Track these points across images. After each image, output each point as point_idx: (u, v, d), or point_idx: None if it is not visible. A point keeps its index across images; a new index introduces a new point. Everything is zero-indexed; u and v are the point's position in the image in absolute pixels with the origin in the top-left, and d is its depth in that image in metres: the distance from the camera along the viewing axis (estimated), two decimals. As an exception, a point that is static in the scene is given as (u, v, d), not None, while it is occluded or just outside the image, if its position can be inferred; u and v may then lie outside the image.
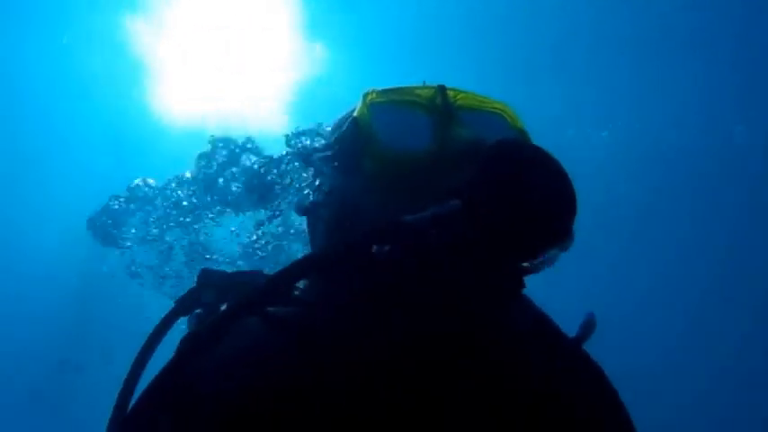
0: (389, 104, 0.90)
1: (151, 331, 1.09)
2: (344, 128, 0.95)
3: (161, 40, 10.86)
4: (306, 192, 1.05)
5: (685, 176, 13.11)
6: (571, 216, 0.73)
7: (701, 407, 17.14)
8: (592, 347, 0.95)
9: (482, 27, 11.11)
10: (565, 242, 0.75)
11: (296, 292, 0.91)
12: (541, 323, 0.93)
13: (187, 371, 0.75)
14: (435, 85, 0.92)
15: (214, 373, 0.75)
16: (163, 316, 1.08)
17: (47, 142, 12.57)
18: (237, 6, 10.56)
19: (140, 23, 10.67)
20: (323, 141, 1.04)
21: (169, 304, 1.07)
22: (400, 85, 0.94)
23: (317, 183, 1.02)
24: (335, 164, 0.96)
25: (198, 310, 1.07)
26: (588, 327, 0.92)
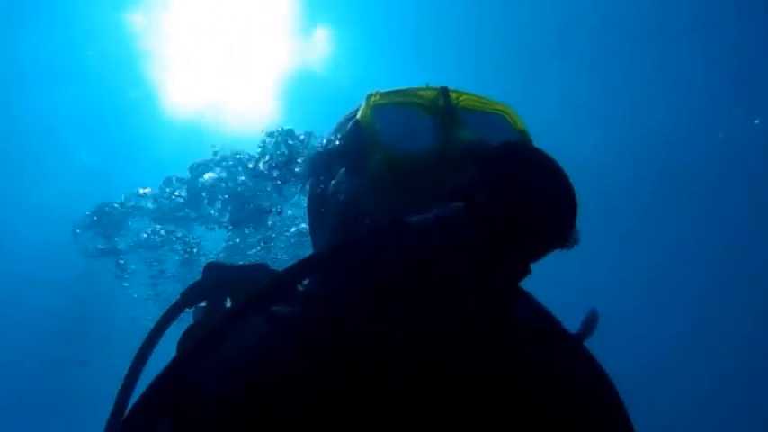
0: (392, 106, 0.91)
1: (155, 323, 1.10)
2: (348, 129, 0.95)
3: (158, 35, 10.86)
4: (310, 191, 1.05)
5: (683, 175, 13.12)
6: (571, 217, 0.74)
7: (699, 406, 17.17)
8: (590, 346, 0.95)
9: (483, 17, 11.10)
10: (565, 243, 0.75)
11: (299, 290, 0.92)
12: (543, 320, 0.94)
13: (188, 371, 0.75)
14: (438, 86, 0.92)
15: (216, 373, 0.75)
16: (168, 308, 1.09)
17: (44, 140, 12.57)
18: (236, 4, 10.57)
19: (138, 18, 10.68)
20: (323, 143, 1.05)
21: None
22: (403, 87, 0.94)
23: (319, 183, 1.02)
24: (338, 165, 0.96)
25: (202, 303, 1.07)
26: (590, 323, 0.92)
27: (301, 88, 11.60)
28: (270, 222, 8.35)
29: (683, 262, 15.10)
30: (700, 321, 16.52)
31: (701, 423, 17.07)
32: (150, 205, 8.74)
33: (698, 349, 16.94)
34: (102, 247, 9.85)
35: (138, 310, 10.28)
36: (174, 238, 9.07)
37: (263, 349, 0.77)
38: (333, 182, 0.97)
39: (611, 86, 12.06)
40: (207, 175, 8.32)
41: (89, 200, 9.67)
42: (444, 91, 0.91)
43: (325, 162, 1.01)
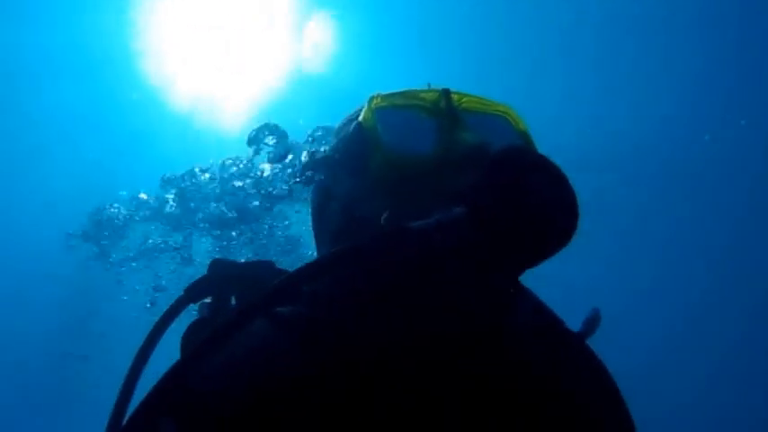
0: (394, 108, 0.91)
1: (159, 318, 1.11)
2: (350, 131, 0.96)
3: (158, 33, 10.84)
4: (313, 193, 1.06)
5: (679, 173, 13.13)
6: (573, 222, 0.75)
7: (696, 405, 17.21)
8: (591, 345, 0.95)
9: (486, 11, 11.08)
10: (566, 247, 0.76)
11: (304, 292, 0.92)
12: (544, 319, 0.95)
13: (193, 372, 0.76)
14: (440, 88, 0.93)
15: (220, 374, 0.75)
16: (172, 303, 1.10)
17: (44, 137, 12.56)
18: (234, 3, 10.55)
19: (139, 16, 10.66)
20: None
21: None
22: (404, 89, 0.95)
23: (322, 186, 1.02)
24: (340, 167, 0.97)
25: (207, 299, 1.08)
26: (592, 322, 0.93)
27: (301, 85, 11.59)
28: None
29: (677, 260, 15.13)
30: (693, 320, 16.56)
31: (699, 421, 17.12)
32: (148, 212, 8.84)
33: (694, 348, 16.98)
34: (97, 254, 9.96)
35: (137, 309, 10.34)
36: (172, 247, 9.15)
37: (268, 350, 0.78)
38: (335, 184, 0.97)
39: (608, 85, 12.07)
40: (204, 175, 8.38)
41: (89, 197, 9.70)
42: (446, 93, 0.91)
43: (327, 165, 1.01)
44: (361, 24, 11.18)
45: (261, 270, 1.06)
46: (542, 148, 0.89)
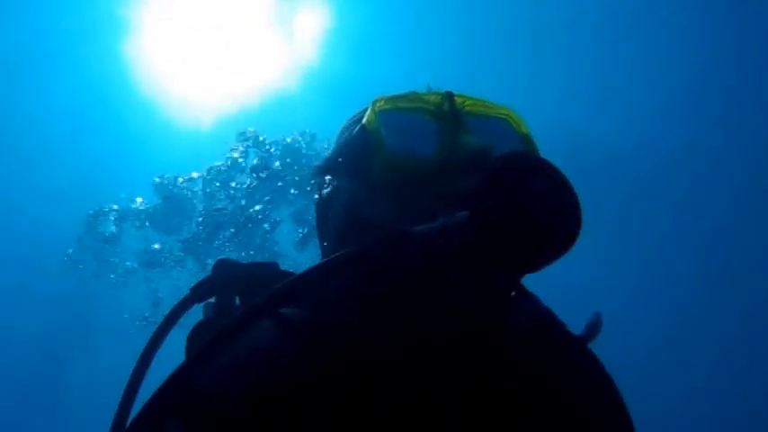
0: (397, 111, 0.92)
1: (163, 318, 1.12)
2: (353, 134, 0.96)
3: (158, 33, 10.83)
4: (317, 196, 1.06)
5: (673, 172, 13.17)
6: (576, 227, 0.75)
7: (691, 406, 17.22)
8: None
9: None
10: (568, 252, 0.77)
11: (308, 294, 0.93)
12: (546, 322, 0.94)
13: (199, 373, 0.76)
14: (443, 91, 0.93)
15: (226, 375, 0.76)
16: (176, 303, 1.11)
17: (41, 137, 12.54)
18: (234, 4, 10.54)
19: (137, 14, 10.64)
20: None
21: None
22: (408, 92, 0.95)
23: (326, 188, 1.03)
24: (344, 169, 0.98)
25: (211, 299, 1.09)
26: (594, 326, 0.94)
27: (300, 86, 11.58)
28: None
29: (671, 259, 15.15)
30: (687, 320, 16.58)
31: (696, 421, 17.13)
32: (143, 216, 8.89)
33: (688, 349, 17.00)
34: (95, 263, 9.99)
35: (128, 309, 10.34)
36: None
37: (273, 352, 0.78)
38: (339, 187, 0.98)
39: (607, 86, 12.08)
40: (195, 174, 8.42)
41: (87, 197, 9.69)
42: (449, 96, 0.92)
43: (331, 167, 1.02)
44: (360, 23, 11.18)
45: (265, 271, 1.07)
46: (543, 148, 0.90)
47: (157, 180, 8.53)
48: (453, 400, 0.78)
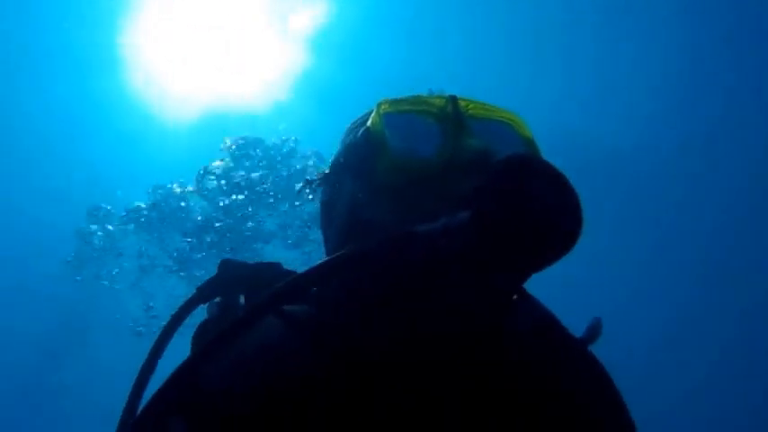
0: (402, 114, 0.93)
1: (170, 317, 1.13)
2: (358, 136, 0.97)
3: (157, 33, 10.82)
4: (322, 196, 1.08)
5: (672, 172, 13.20)
6: (577, 229, 0.76)
7: (688, 406, 17.25)
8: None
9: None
10: (569, 253, 0.78)
11: (311, 293, 0.94)
12: (546, 323, 0.96)
13: (203, 370, 0.77)
14: (447, 94, 0.94)
15: (231, 371, 0.77)
16: (183, 303, 1.12)
17: (41, 136, 12.52)
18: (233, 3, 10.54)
19: (134, 16, 10.63)
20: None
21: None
22: (412, 95, 0.96)
23: (330, 188, 1.04)
24: (348, 170, 0.99)
25: (217, 299, 1.10)
26: (594, 330, 0.95)
27: (299, 87, 11.58)
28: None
29: (670, 260, 15.18)
30: (688, 319, 16.61)
31: (694, 422, 17.16)
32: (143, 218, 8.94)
33: (687, 348, 17.03)
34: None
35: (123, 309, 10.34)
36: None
37: (279, 349, 0.79)
38: (342, 187, 0.99)
39: (605, 86, 12.10)
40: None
41: (85, 198, 9.69)
42: (453, 99, 0.92)
43: (336, 168, 1.03)
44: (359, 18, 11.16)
45: (269, 271, 1.08)
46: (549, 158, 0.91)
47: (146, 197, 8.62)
48: (454, 400, 0.78)
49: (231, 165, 8.16)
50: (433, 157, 0.87)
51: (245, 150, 8.14)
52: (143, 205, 8.97)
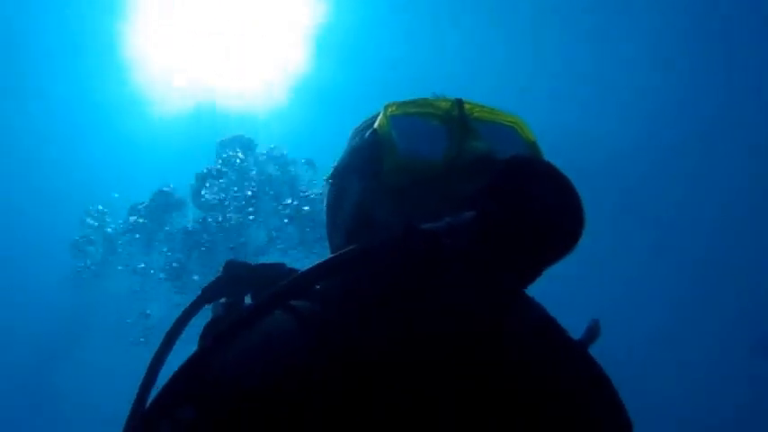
0: (408, 116, 0.95)
1: (176, 318, 1.14)
2: (365, 137, 0.99)
3: (158, 33, 10.80)
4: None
5: (671, 172, 13.22)
6: (578, 229, 0.77)
7: (688, 406, 17.27)
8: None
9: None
10: (570, 253, 0.79)
11: (316, 290, 0.95)
12: (544, 324, 0.97)
13: (210, 362, 0.77)
14: (453, 98, 0.96)
15: (239, 363, 0.77)
16: (189, 303, 1.13)
17: (43, 137, 12.50)
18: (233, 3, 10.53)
19: (133, 17, 10.62)
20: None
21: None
22: (418, 98, 0.98)
23: (336, 187, 1.05)
24: (354, 170, 1.00)
25: (222, 299, 1.11)
26: (593, 332, 0.96)
27: (299, 88, 11.58)
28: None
29: (667, 259, 15.20)
30: (685, 319, 16.64)
31: (691, 422, 17.19)
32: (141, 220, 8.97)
33: (683, 347, 17.05)
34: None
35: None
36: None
37: (286, 343, 0.80)
38: (348, 187, 1.01)
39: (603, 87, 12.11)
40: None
41: (81, 197, 9.67)
42: (459, 102, 0.94)
43: (342, 169, 1.04)
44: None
45: (273, 270, 1.10)
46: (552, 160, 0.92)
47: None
48: (453, 400, 0.79)
49: (222, 180, 8.22)
50: (438, 158, 0.89)
51: (235, 158, 8.19)
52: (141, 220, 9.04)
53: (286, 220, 8.52)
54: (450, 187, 0.85)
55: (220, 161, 8.23)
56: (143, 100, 11.73)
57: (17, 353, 15.58)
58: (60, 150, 12.71)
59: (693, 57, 11.55)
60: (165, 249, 9.00)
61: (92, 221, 9.55)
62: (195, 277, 8.96)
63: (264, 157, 8.37)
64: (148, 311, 9.78)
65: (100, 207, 9.51)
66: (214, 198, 8.28)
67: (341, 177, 1.04)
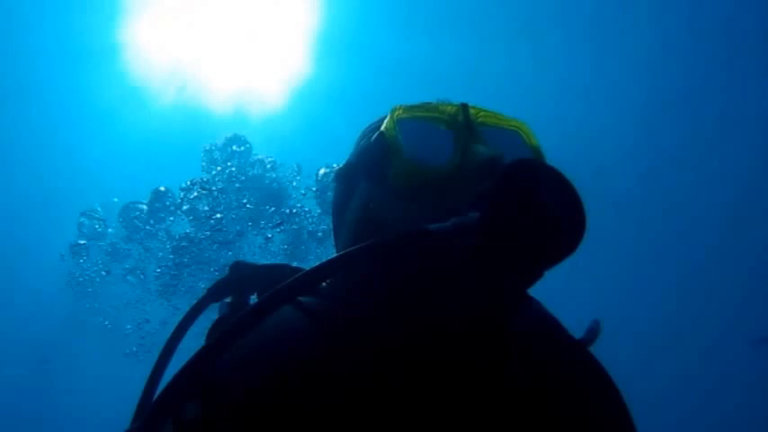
0: (415, 120, 0.96)
1: (182, 317, 1.16)
2: (372, 140, 1.00)
3: (157, 34, 10.79)
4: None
5: (666, 177, 13.23)
6: (580, 230, 0.79)
7: (686, 405, 17.27)
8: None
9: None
10: (571, 255, 0.80)
11: (322, 287, 0.97)
12: (547, 324, 0.98)
13: (218, 357, 0.78)
14: (458, 102, 0.97)
15: (246, 358, 0.79)
16: (195, 303, 1.15)
17: (44, 137, 12.50)
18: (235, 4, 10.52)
19: (131, 20, 10.62)
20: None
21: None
22: (425, 102, 1.00)
23: (344, 190, 1.07)
24: (361, 172, 1.02)
25: (228, 299, 1.12)
26: (593, 332, 0.97)
27: (300, 89, 11.57)
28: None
29: (660, 265, 15.20)
30: (681, 322, 16.64)
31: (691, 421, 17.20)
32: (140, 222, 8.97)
33: (674, 352, 17.06)
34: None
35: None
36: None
37: (294, 339, 0.81)
38: (355, 189, 1.02)
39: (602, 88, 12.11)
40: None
41: (80, 198, 9.66)
42: (464, 107, 0.95)
43: (350, 170, 1.06)
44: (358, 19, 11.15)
45: (279, 271, 1.11)
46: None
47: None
48: (457, 399, 0.80)
49: (214, 189, 8.22)
50: (443, 162, 0.90)
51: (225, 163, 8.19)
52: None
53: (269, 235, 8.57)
54: (456, 190, 0.87)
55: (210, 173, 8.22)
56: (141, 101, 11.73)
57: (17, 353, 15.57)
58: (56, 153, 12.69)
59: (693, 56, 11.55)
60: (159, 255, 9.00)
61: (88, 225, 9.55)
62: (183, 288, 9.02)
63: (259, 162, 8.32)
64: (147, 318, 9.81)
65: (99, 208, 9.49)
66: (202, 210, 8.29)
67: (348, 178, 1.05)
